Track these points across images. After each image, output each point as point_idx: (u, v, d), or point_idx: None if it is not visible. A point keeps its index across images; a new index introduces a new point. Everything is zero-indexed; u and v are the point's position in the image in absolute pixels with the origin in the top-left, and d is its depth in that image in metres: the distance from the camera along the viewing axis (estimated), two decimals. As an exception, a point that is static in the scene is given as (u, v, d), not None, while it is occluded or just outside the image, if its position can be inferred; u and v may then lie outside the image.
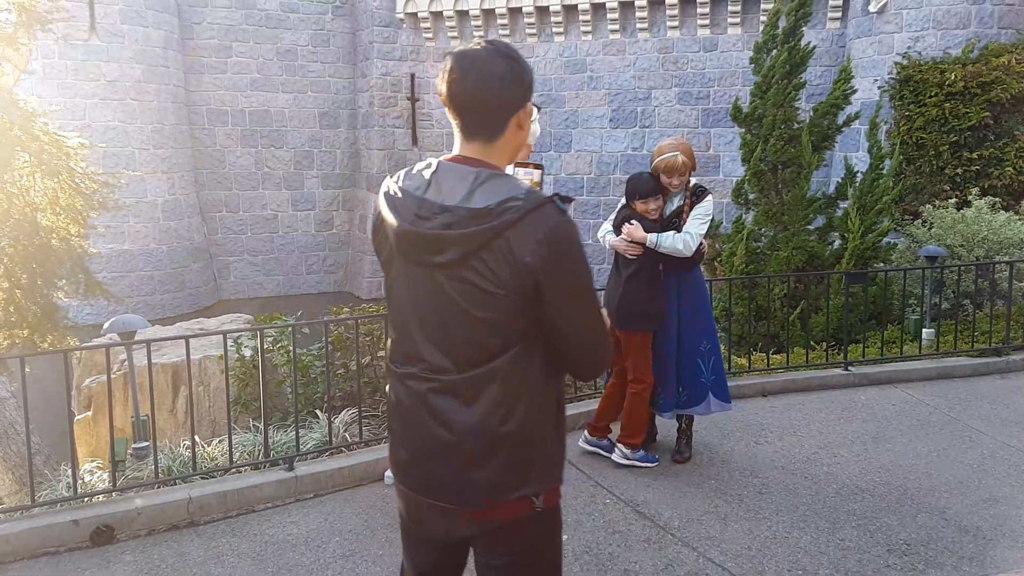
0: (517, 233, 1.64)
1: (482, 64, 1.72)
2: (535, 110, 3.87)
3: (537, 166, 2.33)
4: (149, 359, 4.25)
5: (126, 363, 5.29)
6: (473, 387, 1.73)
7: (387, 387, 1.94)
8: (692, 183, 4.45)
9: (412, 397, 1.79)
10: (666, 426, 4.80)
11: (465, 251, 1.66)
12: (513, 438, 1.75)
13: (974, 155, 10.90)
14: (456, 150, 1.80)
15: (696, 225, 4.32)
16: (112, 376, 5.86)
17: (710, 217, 4.44)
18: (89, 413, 6.33)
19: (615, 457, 4.52)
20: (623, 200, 4.51)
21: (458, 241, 1.66)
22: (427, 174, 1.76)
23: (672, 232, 4.31)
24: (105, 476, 4.35)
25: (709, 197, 4.44)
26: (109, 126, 15.12)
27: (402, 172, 1.83)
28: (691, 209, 4.38)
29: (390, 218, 1.76)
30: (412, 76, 17.91)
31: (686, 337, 4.46)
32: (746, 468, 4.50)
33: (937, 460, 4.62)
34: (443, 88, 1.76)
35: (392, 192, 1.79)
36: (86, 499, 4.05)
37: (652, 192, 4.39)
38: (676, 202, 4.45)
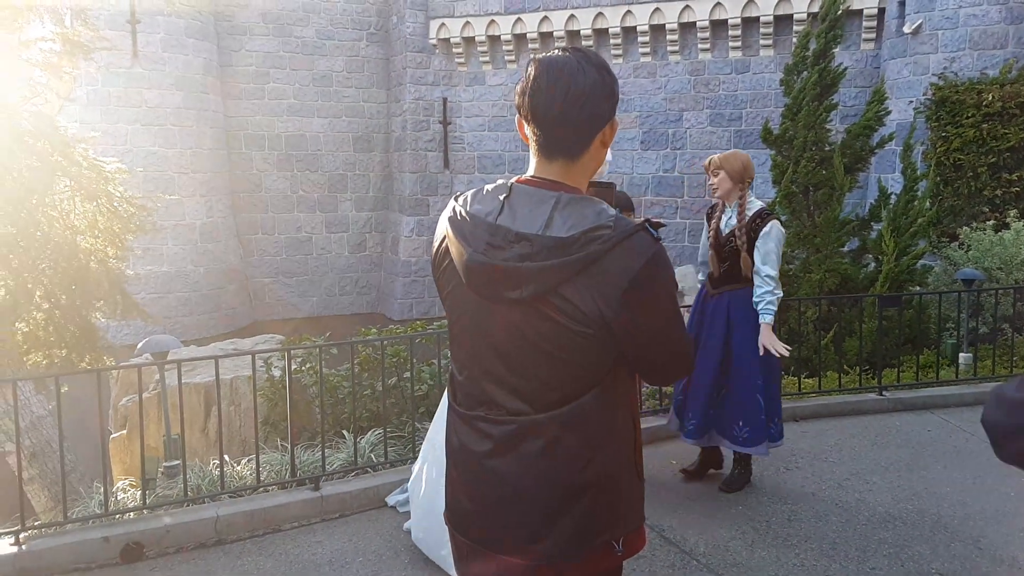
0: (607, 265, 1.44)
1: (572, 74, 1.51)
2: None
3: (608, 185, 2.12)
4: (180, 379, 4.34)
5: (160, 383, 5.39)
6: (551, 431, 1.54)
7: (446, 429, 1.76)
8: (750, 202, 4.26)
9: (481, 442, 1.61)
10: (687, 451, 4.75)
11: (546, 286, 1.46)
12: (595, 486, 1.57)
13: (1013, 176, 10.70)
14: (532, 170, 1.60)
15: (767, 270, 4.10)
16: (146, 395, 5.97)
17: (779, 252, 4.16)
18: (124, 432, 6.45)
19: None
20: None
21: (538, 275, 1.46)
22: (500, 197, 1.56)
23: (762, 302, 4.10)
24: (136, 494, 4.42)
25: (772, 224, 4.15)
26: (150, 151, 15.52)
27: (469, 193, 1.64)
28: (748, 234, 4.16)
29: (458, 247, 1.56)
30: (444, 100, 18.12)
31: (737, 368, 4.21)
32: (775, 494, 4.43)
33: (973, 488, 4.50)
34: (523, 100, 1.56)
35: (459, 217, 1.58)
36: (117, 516, 4.12)
37: (628, 205, 4.41)
38: (725, 219, 4.30)
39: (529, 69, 1.56)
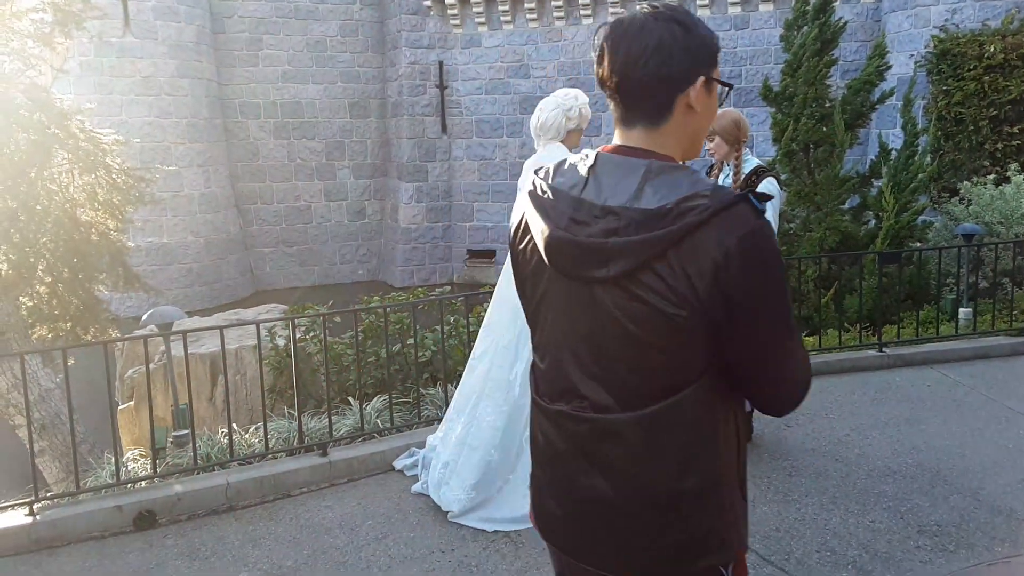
0: (702, 240, 1.29)
1: (634, 34, 1.38)
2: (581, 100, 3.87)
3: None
4: (185, 350, 4.37)
5: (166, 354, 5.43)
6: (644, 430, 1.40)
7: (531, 424, 1.62)
8: (751, 163, 4.24)
9: (566, 440, 1.47)
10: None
11: (635, 263, 1.33)
12: (694, 495, 1.42)
13: (1015, 129, 10.62)
14: (615, 139, 1.47)
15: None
16: (153, 367, 6.03)
17: (776, 208, 4.11)
18: (132, 403, 6.51)
19: None
20: None
21: (626, 251, 1.33)
22: (583, 168, 1.44)
23: None
24: (147, 463, 4.49)
25: (768, 181, 4.14)
26: (145, 121, 15.42)
27: (551, 166, 1.51)
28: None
29: (539, 223, 1.44)
30: (440, 64, 17.93)
31: None
32: (776, 451, 4.49)
33: (971, 441, 4.56)
34: (595, 68, 1.46)
35: (540, 191, 1.46)
36: (129, 485, 4.19)
37: None
38: (722, 178, 4.28)
39: (598, 33, 1.46)
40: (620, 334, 1.37)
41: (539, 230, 1.44)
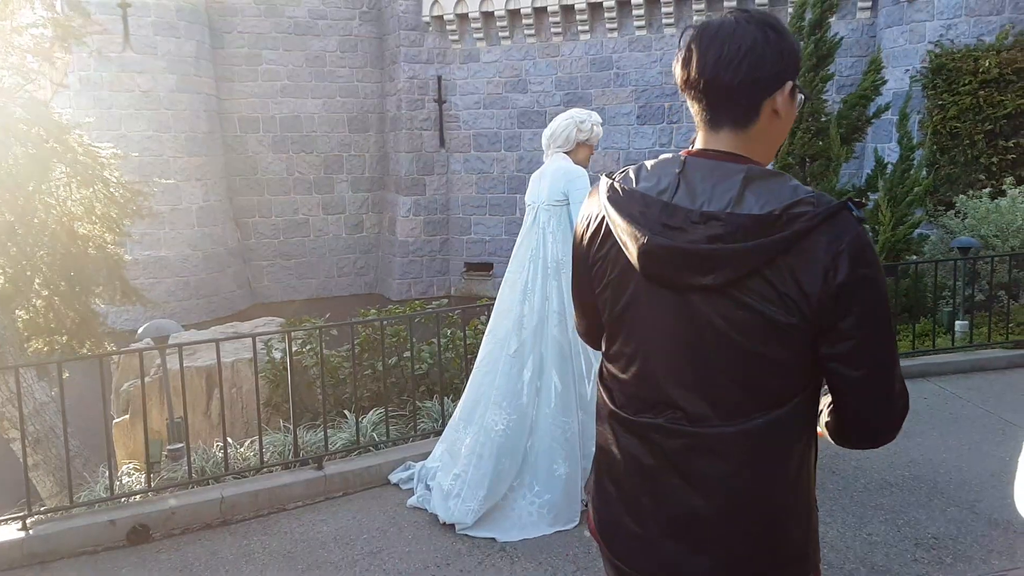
0: (812, 246, 1.28)
1: (727, 35, 1.37)
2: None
3: None
4: (181, 363, 4.37)
5: (162, 367, 5.42)
6: (746, 445, 1.35)
7: (599, 435, 1.56)
8: None
9: (656, 455, 1.42)
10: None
11: (744, 269, 1.30)
12: (795, 512, 1.39)
13: (1010, 143, 10.67)
14: (699, 143, 1.45)
15: None
16: (148, 380, 6.01)
17: None
18: (127, 416, 6.49)
19: None
20: None
21: (735, 257, 1.30)
22: (672, 172, 1.40)
23: None
24: (141, 477, 4.47)
25: None
26: (144, 135, 15.47)
27: (630, 170, 1.47)
28: None
29: (628, 229, 1.39)
30: (439, 78, 18.01)
31: None
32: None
33: (968, 454, 4.55)
34: (678, 69, 1.43)
35: (624, 195, 1.42)
36: (123, 500, 4.17)
37: None
38: None
39: (684, 36, 1.43)
40: (722, 343, 1.34)
41: (629, 236, 1.39)
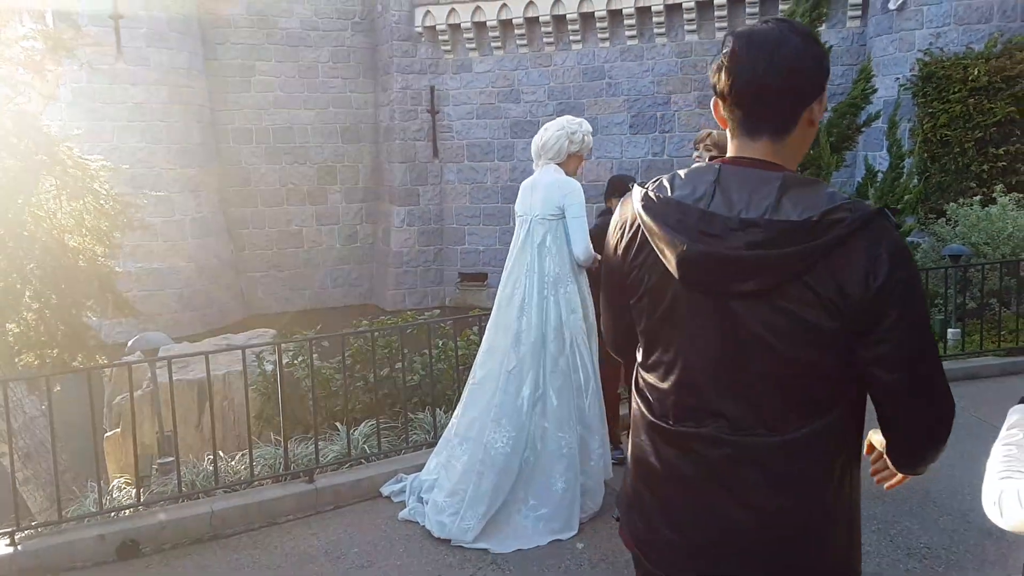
0: (852, 251, 1.30)
1: (774, 44, 1.38)
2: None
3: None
4: (170, 376, 4.35)
5: (152, 380, 5.39)
6: (790, 455, 1.35)
7: (633, 446, 1.55)
8: None
9: (696, 464, 1.41)
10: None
11: (785, 275, 1.31)
12: (839, 523, 1.40)
13: (1000, 151, 10.73)
14: (732, 151, 1.46)
15: None
16: (139, 393, 5.98)
17: None
18: (118, 430, 6.45)
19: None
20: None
21: (776, 263, 1.31)
22: (707, 180, 1.41)
23: None
24: (131, 491, 4.44)
25: None
26: (136, 148, 15.43)
27: (663, 178, 1.47)
28: None
29: (665, 237, 1.39)
30: (432, 88, 18.05)
31: None
32: (765, 473, 4.47)
33: (961, 463, 4.52)
34: (720, 76, 1.42)
35: (659, 203, 1.43)
36: (112, 514, 4.14)
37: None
38: None
39: (726, 43, 1.43)
40: (763, 350, 1.34)
41: (667, 244, 1.39)
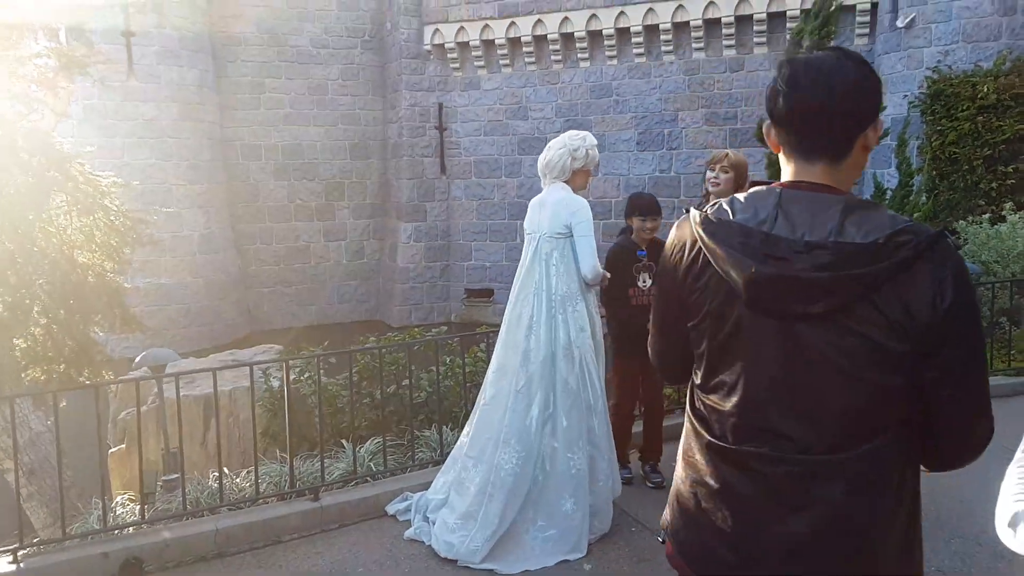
0: (918, 273, 1.33)
1: (831, 71, 1.42)
2: (587, 138, 3.93)
3: (768, 183, 2.10)
4: (178, 392, 4.34)
5: (159, 396, 5.39)
6: (849, 472, 1.38)
7: (685, 466, 1.58)
8: None
9: (757, 483, 1.43)
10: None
11: (851, 297, 1.34)
12: (893, 542, 1.42)
13: (1009, 169, 10.69)
14: (789, 175, 1.49)
15: None
16: (145, 409, 5.97)
17: None
18: (123, 446, 6.44)
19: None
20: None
21: (844, 284, 1.34)
22: (769, 204, 1.44)
23: None
24: (136, 508, 4.42)
25: None
26: (147, 164, 15.55)
27: (722, 202, 1.50)
28: None
29: (730, 259, 1.42)
30: (440, 106, 18.14)
31: None
32: (774, 494, 4.43)
33: (971, 484, 4.47)
34: (776, 101, 1.46)
35: (721, 226, 1.45)
36: (116, 532, 4.12)
37: (651, 210, 4.35)
38: None
39: (782, 69, 1.47)
40: (829, 370, 1.37)
41: (732, 267, 1.42)
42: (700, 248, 1.49)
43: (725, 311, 1.46)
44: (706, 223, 1.47)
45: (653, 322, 1.68)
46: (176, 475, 4.51)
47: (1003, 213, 8.95)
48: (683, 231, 1.55)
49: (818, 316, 1.36)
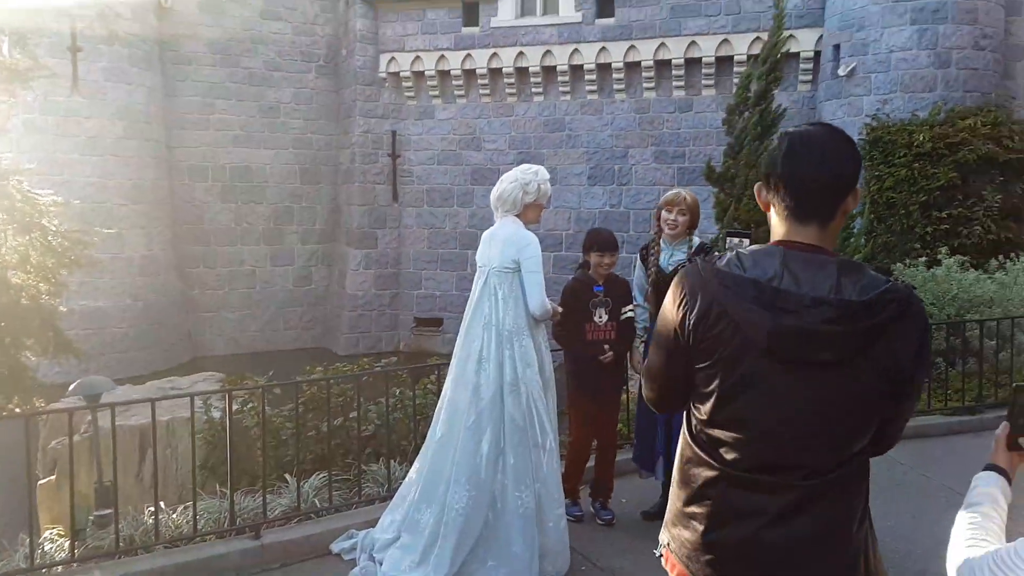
0: (905, 327, 1.60)
1: (825, 143, 1.67)
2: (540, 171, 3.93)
3: (746, 235, 2.29)
4: (113, 424, 4.16)
5: (92, 426, 5.16)
6: (841, 484, 1.65)
7: (686, 490, 1.76)
8: (696, 241, 4.39)
9: (760, 509, 1.65)
10: (637, 490, 4.74)
11: (858, 347, 1.58)
12: (868, 538, 1.74)
13: (943, 214, 11.13)
14: (783, 235, 1.70)
15: None
16: (78, 439, 5.73)
17: None
18: (53, 477, 6.16)
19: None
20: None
21: (849, 337, 1.57)
22: (774, 262, 1.64)
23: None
24: (65, 545, 4.20)
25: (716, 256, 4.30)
26: (88, 182, 15.10)
27: (730, 256, 1.69)
28: None
29: (748, 311, 1.61)
30: (393, 133, 18.12)
31: None
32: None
33: (912, 522, 4.58)
34: (774, 167, 1.68)
35: (735, 281, 1.64)
36: (44, 571, 3.91)
37: (610, 246, 4.38)
38: (675, 256, 4.34)
39: (781, 141, 1.70)
40: (834, 410, 1.61)
41: (749, 319, 1.61)
42: (712, 301, 1.66)
43: (737, 357, 1.64)
44: (721, 277, 1.66)
45: (653, 363, 1.83)
46: (109, 510, 4.31)
47: (939, 257, 9.28)
48: (691, 283, 1.71)
49: (831, 363, 1.59)
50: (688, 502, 1.74)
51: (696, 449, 1.74)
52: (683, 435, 1.79)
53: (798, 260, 1.63)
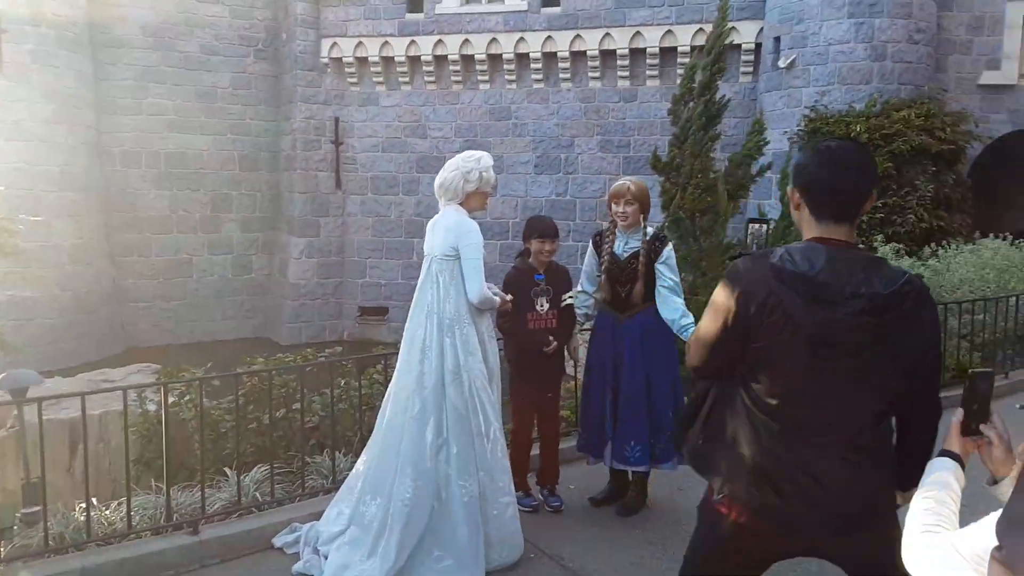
0: (925, 315, 1.94)
1: (854, 157, 2.00)
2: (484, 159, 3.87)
3: (764, 222, 2.43)
4: (40, 418, 3.96)
5: (18, 420, 4.91)
6: (866, 442, 2.01)
7: (749, 443, 2.05)
8: (650, 231, 4.36)
9: (793, 450, 2.00)
10: (585, 476, 4.74)
11: (882, 335, 1.89)
12: (887, 478, 2.12)
13: (879, 203, 11.44)
14: (817, 232, 2.00)
15: (678, 291, 4.21)
16: (3, 434, 5.45)
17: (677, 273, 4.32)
18: (-24, 475, 5.85)
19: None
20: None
21: (879, 326, 1.88)
22: (820, 258, 1.92)
23: (684, 325, 4.11)
24: (-12, 546, 3.98)
25: (670, 247, 4.29)
26: (14, 167, 14.41)
27: (779, 252, 1.97)
28: (650, 258, 4.23)
29: (798, 302, 1.90)
30: (336, 120, 17.80)
31: (656, 385, 4.26)
32: (671, 517, 4.47)
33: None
34: (809, 173, 2.00)
35: (790, 276, 1.92)
36: (-36, 573, 3.70)
37: (550, 233, 4.35)
38: (630, 243, 4.31)
39: (817, 154, 2.01)
40: (865, 387, 1.94)
41: (801, 309, 1.90)
42: (769, 292, 1.94)
43: (788, 339, 1.93)
44: (776, 271, 1.94)
45: (708, 336, 2.08)
46: (37, 508, 4.10)
47: (874, 244, 9.55)
48: (747, 277, 1.99)
49: (860, 345, 1.89)
50: (749, 458, 2.05)
51: (745, 399, 2.05)
52: (739, 402, 2.06)
53: (835, 256, 1.92)
